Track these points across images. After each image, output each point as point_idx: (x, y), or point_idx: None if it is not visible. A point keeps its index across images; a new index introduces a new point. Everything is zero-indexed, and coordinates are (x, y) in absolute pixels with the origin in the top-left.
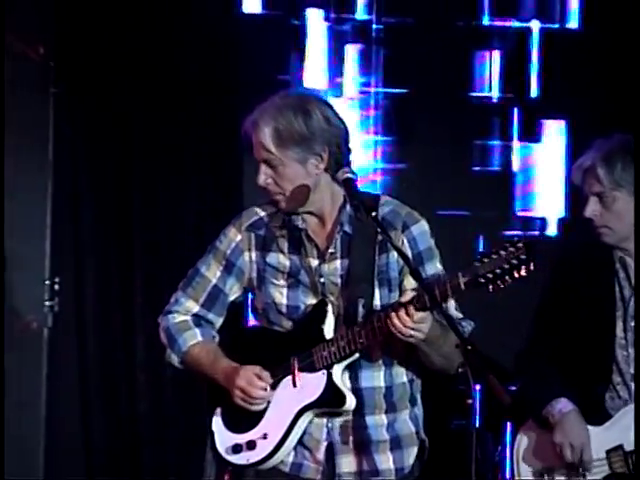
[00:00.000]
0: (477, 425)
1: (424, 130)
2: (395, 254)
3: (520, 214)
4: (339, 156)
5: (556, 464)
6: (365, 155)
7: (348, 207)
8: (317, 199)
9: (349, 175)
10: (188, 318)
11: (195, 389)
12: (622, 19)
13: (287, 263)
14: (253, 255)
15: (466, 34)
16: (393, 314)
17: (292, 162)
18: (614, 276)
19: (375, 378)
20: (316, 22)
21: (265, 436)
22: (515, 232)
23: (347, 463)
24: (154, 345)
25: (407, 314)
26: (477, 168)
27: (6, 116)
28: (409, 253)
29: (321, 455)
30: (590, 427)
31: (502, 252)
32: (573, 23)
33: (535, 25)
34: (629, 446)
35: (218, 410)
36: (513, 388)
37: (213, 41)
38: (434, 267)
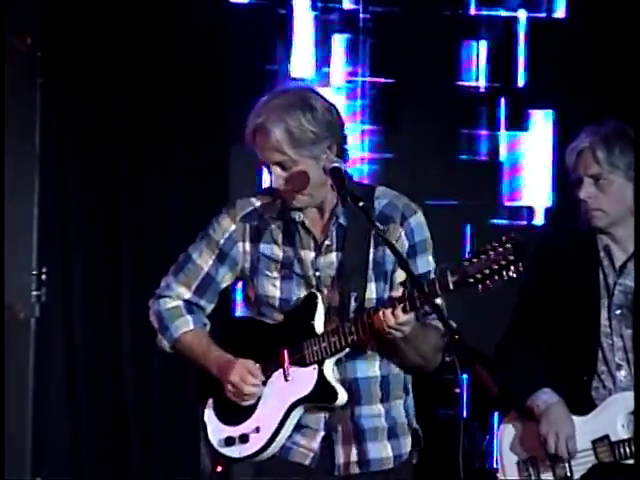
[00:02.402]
0: (464, 414)
1: (411, 119)
2: None
3: (507, 203)
4: (343, 144)
5: (540, 454)
6: (352, 145)
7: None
8: (322, 192)
9: (336, 165)
10: (180, 303)
11: (182, 380)
12: (608, 8)
13: (280, 254)
14: (247, 246)
15: (453, 23)
16: (378, 313)
17: (306, 160)
18: (598, 264)
19: (370, 368)
20: (303, 11)
21: (258, 429)
22: (502, 221)
23: (346, 453)
24: (141, 336)
25: (392, 314)
26: (464, 157)
27: None
28: (405, 245)
29: (316, 444)
30: (575, 417)
31: (491, 252)
32: (560, 12)
33: (522, 14)
34: (614, 436)
35: (210, 401)
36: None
37: (200, 31)
38: (426, 261)
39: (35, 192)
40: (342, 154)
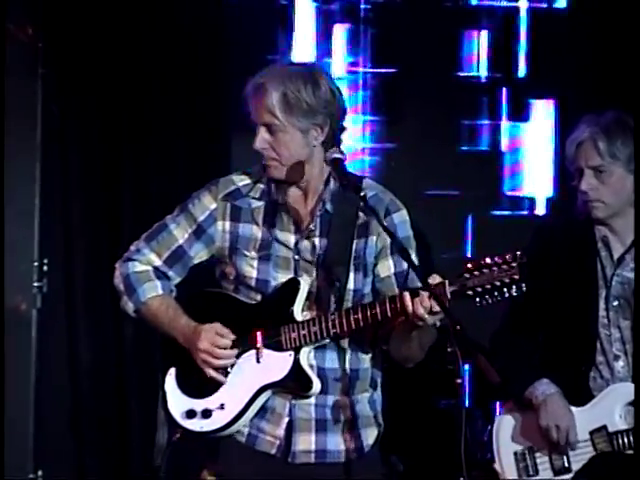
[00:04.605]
0: (466, 404)
1: (412, 110)
2: (374, 239)
3: (508, 193)
4: (337, 130)
5: (538, 445)
6: (353, 135)
7: (332, 185)
8: (307, 172)
9: (337, 155)
10: (149, 269)
11: None
12: None
13: (260, 235)
14: (227, 225)
15: (454, 13)
16: (408, 299)
17: (294, 130)
18: (596, 255)
19: (340, 360)
20: (304, 1)
21: (222, 407)
22: (504, 212)
23: (304, 441)
24: (145, 327)
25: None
26: (465, 148)
27: None
28: (387, 240)
29: (282, 431)
30: (573, 408)
31: (494, 268)
32: (561, 2)
33: (523, 4)
34: (612, 427)
35: (172, 370)
36: None
37: (201, 22)
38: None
39: (36, 181)
40: (334, 141)
